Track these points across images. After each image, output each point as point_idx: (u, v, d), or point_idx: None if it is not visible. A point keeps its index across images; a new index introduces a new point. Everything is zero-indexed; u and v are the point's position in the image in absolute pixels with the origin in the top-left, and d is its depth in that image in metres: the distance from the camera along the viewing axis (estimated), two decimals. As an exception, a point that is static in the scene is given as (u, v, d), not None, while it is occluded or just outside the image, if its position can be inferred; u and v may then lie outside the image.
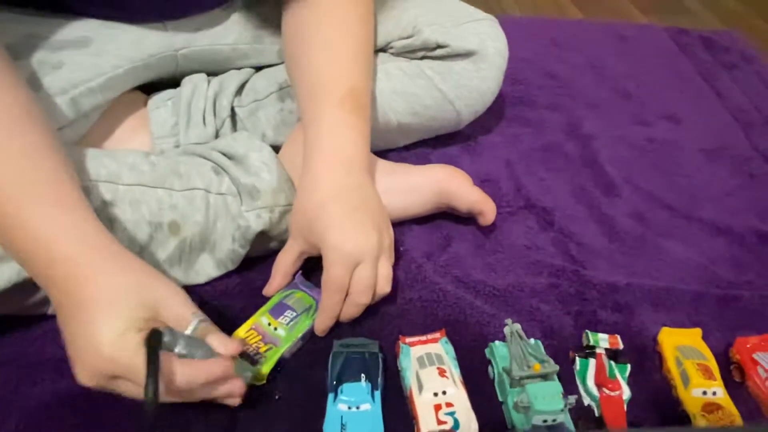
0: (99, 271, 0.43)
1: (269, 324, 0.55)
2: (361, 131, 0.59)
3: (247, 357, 0.52)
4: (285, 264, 0.58)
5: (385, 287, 0.55)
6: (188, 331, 0.44)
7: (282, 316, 0.56)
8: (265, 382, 0.53)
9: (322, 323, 0.56)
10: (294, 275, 0.60)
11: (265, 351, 0.53)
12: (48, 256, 0.43)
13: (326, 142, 0.57)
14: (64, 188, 0.45)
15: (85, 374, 0.42)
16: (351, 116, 0.58)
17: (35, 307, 0.53)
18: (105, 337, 0.40)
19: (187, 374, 0.43)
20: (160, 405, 0.40)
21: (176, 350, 0.43)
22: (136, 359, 0.40)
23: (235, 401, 0.48)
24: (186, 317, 0.44)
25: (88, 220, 0.45)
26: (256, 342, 0.54)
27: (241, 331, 0.55)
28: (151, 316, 0.43)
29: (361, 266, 0.53)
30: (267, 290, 0.58)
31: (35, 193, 0.44)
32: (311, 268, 0.60)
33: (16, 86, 0.47)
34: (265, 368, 0.52)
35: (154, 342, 0.41)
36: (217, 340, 0.46)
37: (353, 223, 0.53)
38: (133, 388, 0.42)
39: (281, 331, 0.55)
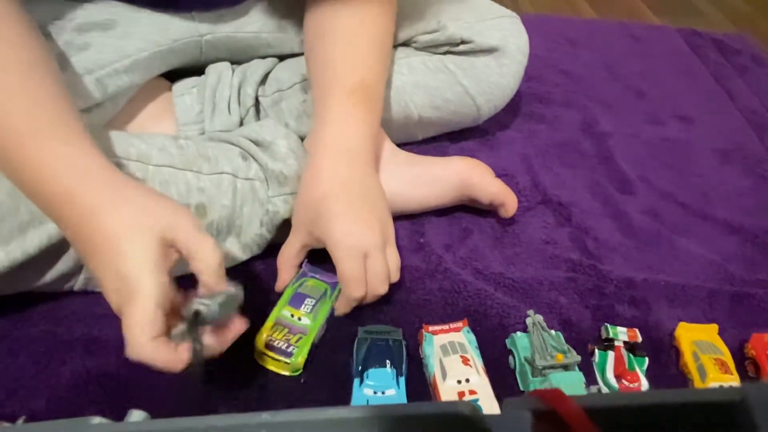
0: (118, 199, 0.42)
1: (292, 315, 0.55)
2: (367, 124, 0.58)
3: (279, 351, 0.53)
4: (289, 258, 0.58)
5: (395, 276, 0.55)
6: (220, 299, 0.44)
7: (303, 305, 0.56)
8: (302, 371, 0.54)
9: (344, 308, 0.55)
10: (301, 265, 0.60)
11: (296, 341, 0.54)
12: (66, 188, 0.42)
13: (328, 135, 0.57)
14: (71, 127, 0.45)
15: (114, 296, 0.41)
16: (357, 109, 0.58)
17: (62, 280, 0.53)
18: (130, 264, 0.40)
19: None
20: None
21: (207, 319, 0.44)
22: (155, 288, 0.40)
23: None
24: (197, 239, 0.43)
25: (101, 156, 0.45)
26: (284, 335, 0.54)
27: (266, 329, 0.54)
28: (171, 238, 0.42)
29: (371, 258, 0.53)
30: (277, 286, 0.58)
31: (44, 132, 0.43)
32: (318, 255, 0.58)
33: (28, 37, 0.47)
34: (300, 358, 0.53)
35: (197, 323, 0.42)
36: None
37: (353, 216, 0.53)
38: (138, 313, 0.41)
39: (306, 320, 0.55)
